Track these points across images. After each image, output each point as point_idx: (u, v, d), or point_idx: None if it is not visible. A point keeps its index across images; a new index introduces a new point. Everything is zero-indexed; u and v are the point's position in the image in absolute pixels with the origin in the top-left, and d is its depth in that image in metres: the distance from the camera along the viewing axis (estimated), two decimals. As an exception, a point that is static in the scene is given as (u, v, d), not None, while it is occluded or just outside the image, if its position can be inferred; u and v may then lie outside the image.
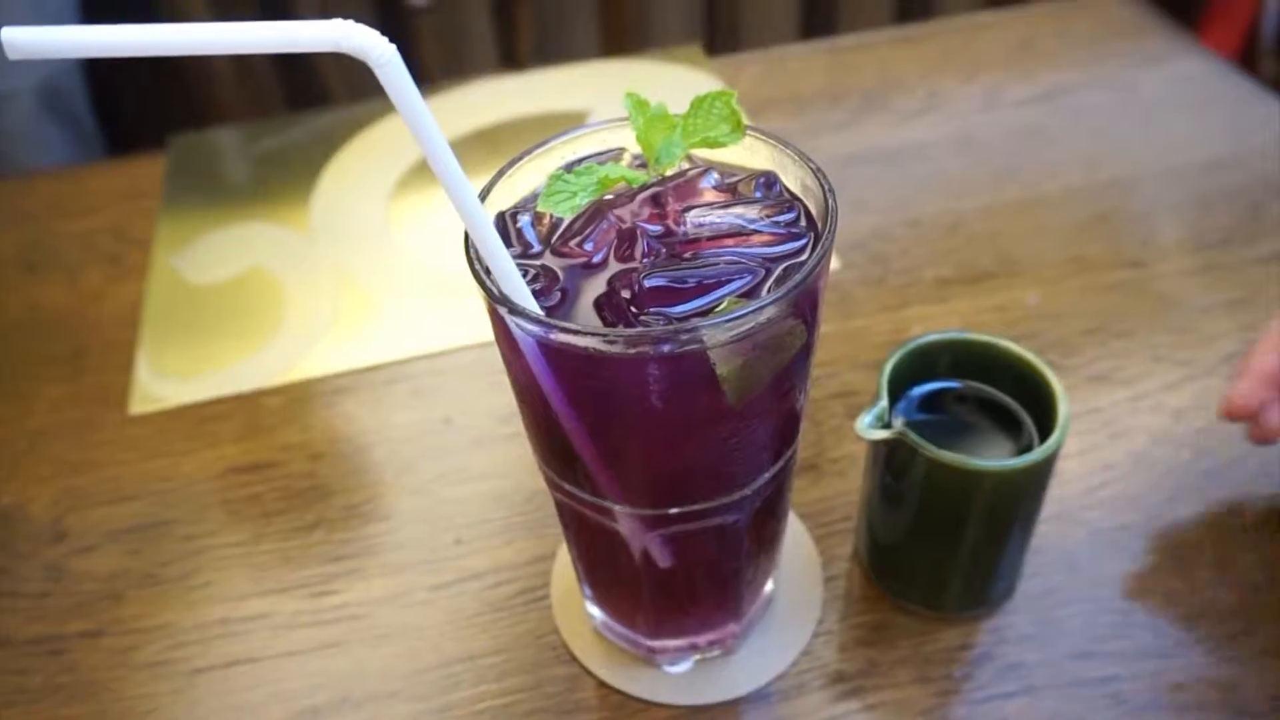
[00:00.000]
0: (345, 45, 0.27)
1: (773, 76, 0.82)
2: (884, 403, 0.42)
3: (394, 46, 0.28)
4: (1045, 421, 0.42)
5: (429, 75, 1.18)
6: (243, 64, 1.25)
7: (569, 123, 0.80)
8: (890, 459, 0.43)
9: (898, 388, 0.44)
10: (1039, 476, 0.41)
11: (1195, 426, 0.52)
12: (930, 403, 0.45)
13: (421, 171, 0.76)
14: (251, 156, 0.80)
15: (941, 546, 0.43)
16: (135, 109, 1.30)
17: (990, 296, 0.61)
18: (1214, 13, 1.58)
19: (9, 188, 0.80)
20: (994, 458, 0.41)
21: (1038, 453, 0.40)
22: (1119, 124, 0.73)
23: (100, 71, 1.29)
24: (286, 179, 0.76)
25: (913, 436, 0.41)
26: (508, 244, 0.36)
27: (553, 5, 1.49)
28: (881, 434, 0.41)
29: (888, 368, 0.43)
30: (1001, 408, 0.44)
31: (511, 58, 1.21)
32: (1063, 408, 0.41)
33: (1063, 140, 0.72)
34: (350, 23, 0.27)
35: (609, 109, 0.80)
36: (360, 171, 0.76)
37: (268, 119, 0.84)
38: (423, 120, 0.29)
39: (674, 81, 0.82)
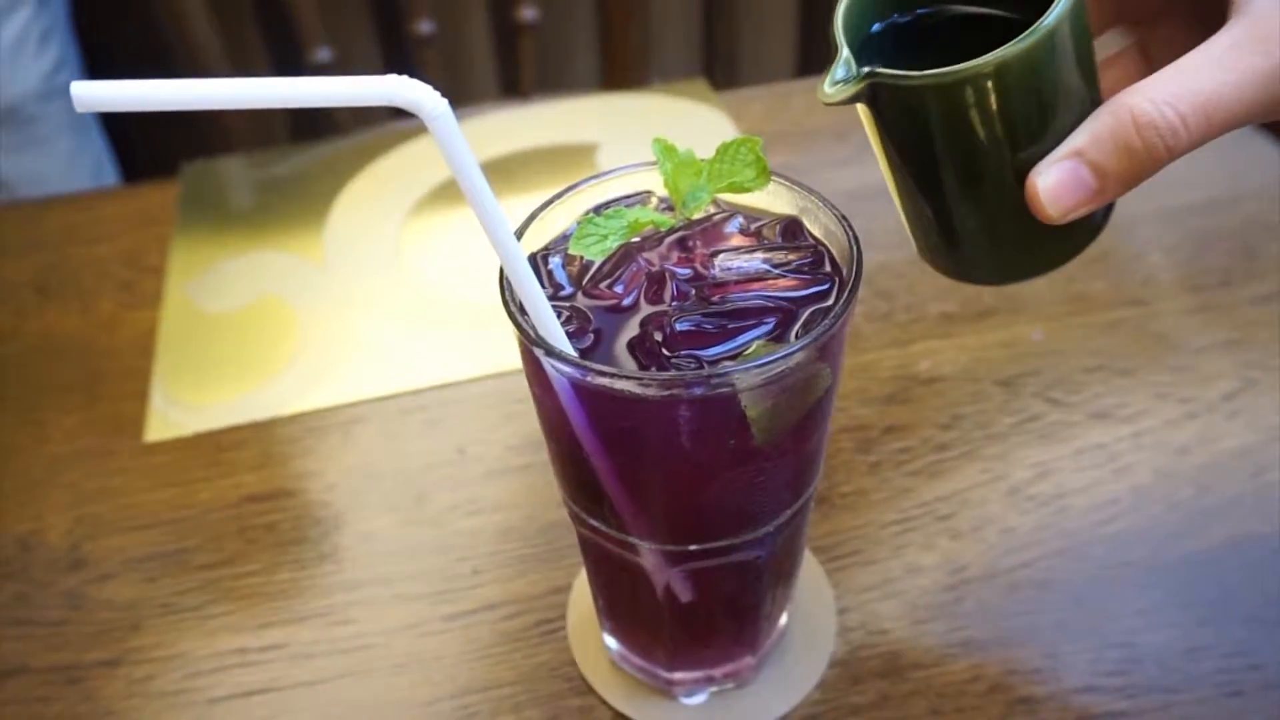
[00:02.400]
0: (399, 99, 0.28)
1: (777, 112, 0.83)
2: (845, 52, 0.33)
3: (445, 101, 0.29)
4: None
5: (432, 103, 1.19)
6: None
7: (578, 155, 0.81)
8: (882, 119, 0.34)
9: (856, 35, 0.35)
10: (1066, 49, 0.32)
11: (1196, 463, 0.53)
12: (899, 44, 0.36)
13: (432, 201, 0.77)
14: (264, 185, 0.80)
15: (1000, 192, 0.34)
16: (143, 132, 1.31)
17: (995, 333, 0.62)
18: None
19: (23, 213, 0.81)
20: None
21: (1050, 17, 0.31)
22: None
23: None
24: (299, 208, 0.77)
25: (887, 72, 0.32)
26: (539, 285, 0.37)
27: (554, 35, 1.51)
28: (849, 89, 0.33)
29: (840, 11, 0.35)
30: (987, 20, 0.35)
31: (514, 86, 1.23)
32: None
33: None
34: (404, 78, 0.28)
35: (617, 142, 0.81)
36: (372, 201, 0.77)
37: (276, 146, 0.85)
38: (469, 168, 0.30)
39: (680, 115, 0.83)
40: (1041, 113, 0.32)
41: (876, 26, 0.36)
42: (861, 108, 0.34)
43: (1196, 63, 0.31)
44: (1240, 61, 0.30)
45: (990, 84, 0.31)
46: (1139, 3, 0.38)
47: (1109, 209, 0.36)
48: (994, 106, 0.31)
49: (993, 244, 0.36)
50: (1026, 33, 0.30)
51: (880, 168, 0.37)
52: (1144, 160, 0.31)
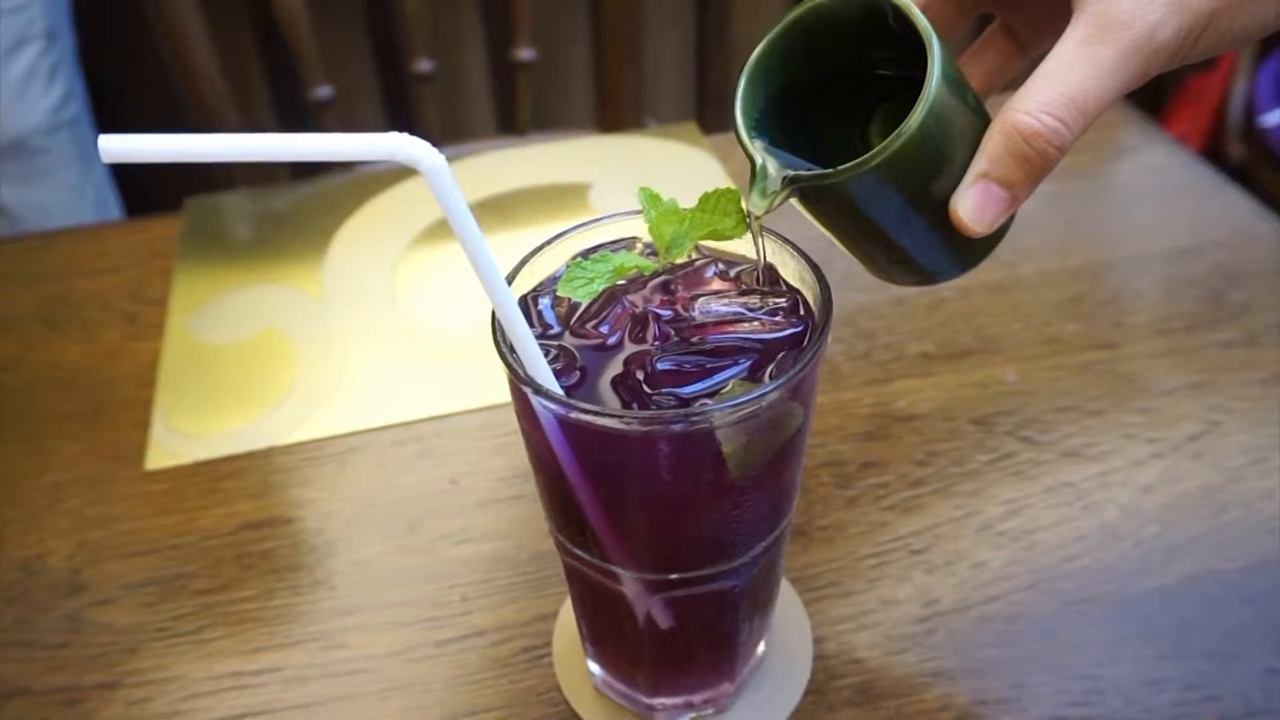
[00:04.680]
0: (400, 156, 0.30)
1: (765, 156, 0.86)
2: (759, 160, 0.37)
3: (443, 157, 0.31)
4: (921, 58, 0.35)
5: (431, 139, 1.21)
6: (251, 131, 1.29)
7: (571, 194, 0.84)
8: (812, 205, 0.37)
9: (752, 119, 0.38)
10: (947, 99, 0.34)
11: (1161, 502, 0.56)
12: (791, 107, 0.39)
13: (429, 237, 0.79)
14: (264, 220, 0.83)
15: (930, 225, 0.37)
16: (147, 164, 1.33)
17: (971, 373, 0.64)
18: (1183, 97, 1.65)
19: (30, 245, 0.83)
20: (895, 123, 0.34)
21: (930, 87, 0.33)
22: (1091, 211, 0.78)
23: (113, 126, 1.34)
24: (298, 243, 0.79)
25: (807, 175, 0.35)
26: (529, 324, 0.39)
27: (550, 74, 1.54)
28: (778, 199, 0.36)
29: (738, 118, 0.37)
30: (871, 82, 0.39)
31: (511, 123, 1.26)
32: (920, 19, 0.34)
33: (1038, 225, 0.77)
34: (405, 135, 0.30)
35: (609, 182, 0.83)
36: (370, 236, 0.79)
37: (278, 180, 0.88)
38: (465, 219, 0.32)
39: (670, 157, 0.86)
40: (947, 156, 0.35)
41: (768, 98, 0.39)
42: (774, 204, 0.37)
43: (1056, 66, 0.34)
44: (1093, 55, 0.33)
45: (898, 160, 0.34)
46: None
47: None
48: (906, 173, 0.35)
49: (929, 260, 0.40)
50: (916, 106, 0.33)
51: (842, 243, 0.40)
52: (1040, 164, 0.35)
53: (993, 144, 0.35)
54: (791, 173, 0.36)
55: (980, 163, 0.35)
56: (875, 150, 0.33)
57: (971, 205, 0.35)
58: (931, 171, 0.35)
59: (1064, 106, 0.33)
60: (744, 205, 0.38)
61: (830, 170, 0.34)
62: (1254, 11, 0.34)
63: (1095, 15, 0.34)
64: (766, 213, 0.37)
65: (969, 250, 0.39)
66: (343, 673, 0.50)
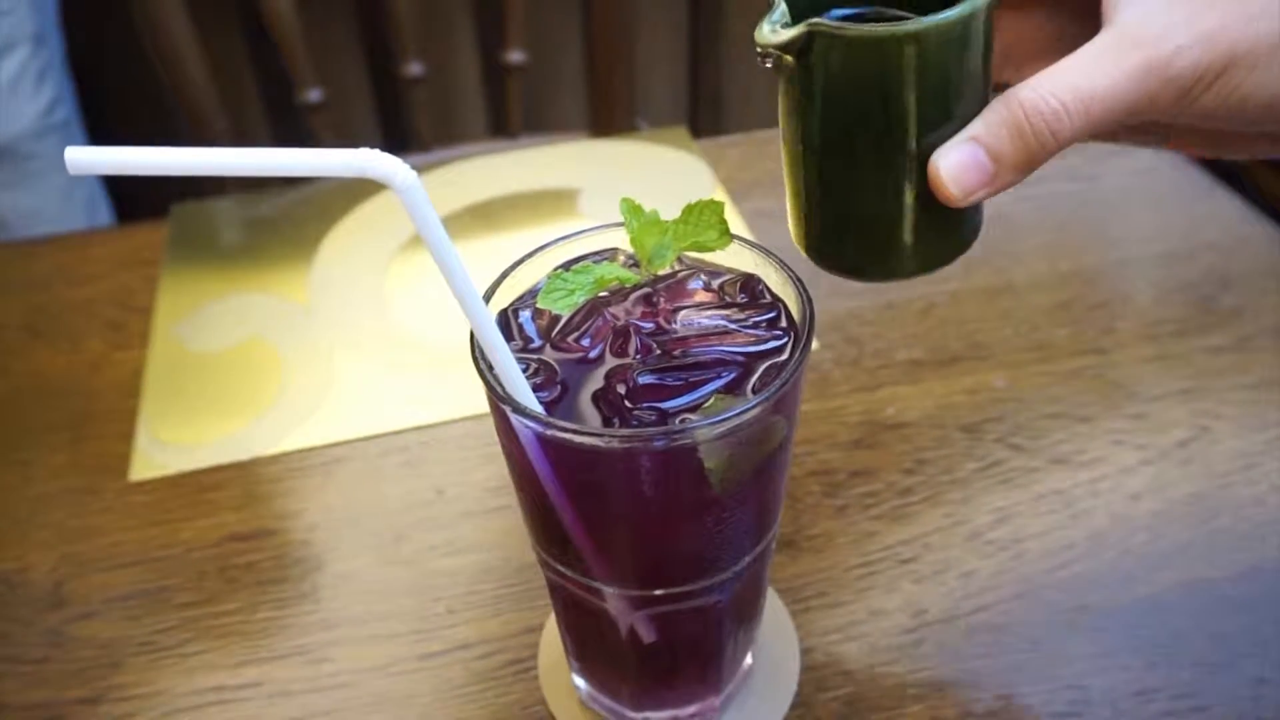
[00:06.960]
0: (371, 171, 0.30)
1: (754, 159, 0.86)
2: (782, 5, 0.35)
3: (415, 173, 0.30)
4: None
5: (422, 142, 1.21)
6: (241, 134, 1.28)
7: (560, 199, 0.83)
8: (809, 76, 0.35)
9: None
10: (982, 33, 0.34)
11: (1150, 509, 0.55)
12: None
13: (417, 244, 0.78)
14: (252, 226, 0.82)
15: (904, 172, 0.35)
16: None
17: (960, 379, 0.64)
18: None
19: (14, 253, 0.82)
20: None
21: None
22: (1082, 214, 0.78)
23: (102, 136, 1.33)
24: (285, 250, 0.79)
25: (828, 23, 0.33)
26: (509, 338, 0.38)
27: (542, 77, 1.54)
28: (789, 33, 0.34)
29: None
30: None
31: (502, 126, 1.25)
32: None
33: (1028, 229, 0.76)
34: (376, 151, 0.30)
35: (598, 187, 0.83)
36: (357, 244, 0.79)
37: (270, 186, 0.87)
38: (438, 236, 0.32)
39: (660, 162, 0.86)
40: (957, 88, 0.34)
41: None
42: (784, 77, 0.35)
43: (1073, 63, 0.34)
44: (1113, 61, 0.33)
45: (923, 47, 0.33)
46: None
47: (982, 218, 0.39)
48: (921, 71, 0.33)
49: (885, 231, 0.37)
50: (961, 5, 0.33)
51: (784, 147, 0.38)
52: (1034, 145, 0.34)
53: (992, 112, 0.34)
54: (813, 19, 0.34)
55: (975, 126, 0.35)
56: (904, 24, 0.32)
57: (954, 163, 0.34)
58: (943, 86, 0.34)
59: (1072, 95, 0.33)
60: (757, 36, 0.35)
61: (853, 25, 0.33)
62: (1272, 72, 0.34)
63: (1123, 26, 0.34)
64: (771, 47, 0.34)
65: (921, 237, 0.37)
66: (327, 687, 0.50)
